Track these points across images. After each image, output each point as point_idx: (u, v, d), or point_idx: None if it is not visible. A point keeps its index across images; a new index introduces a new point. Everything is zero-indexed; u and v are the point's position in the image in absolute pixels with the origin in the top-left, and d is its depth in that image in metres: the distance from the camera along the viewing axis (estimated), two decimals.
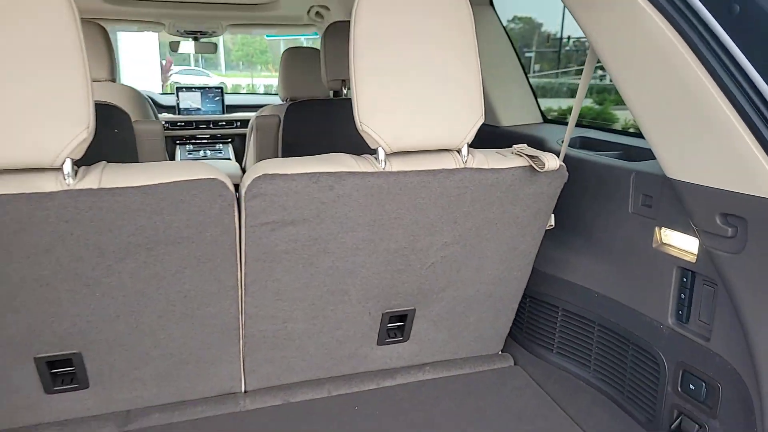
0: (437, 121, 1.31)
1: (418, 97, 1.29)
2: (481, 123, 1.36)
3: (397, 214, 1.39)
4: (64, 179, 1.12)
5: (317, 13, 4.14)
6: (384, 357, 1.72)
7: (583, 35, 1.36)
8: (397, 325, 1.68)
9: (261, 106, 4.44)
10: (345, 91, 2.68)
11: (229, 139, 4.66)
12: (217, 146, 4.56)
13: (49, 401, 1.44)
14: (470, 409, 1.61)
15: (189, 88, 4.70)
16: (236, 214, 1.29)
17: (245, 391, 1.62)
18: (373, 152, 1.34)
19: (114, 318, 1.34)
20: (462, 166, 1.37)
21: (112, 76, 2.92)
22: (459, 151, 1.38)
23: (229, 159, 4.37)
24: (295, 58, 3.29)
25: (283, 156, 2.55)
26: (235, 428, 1.51)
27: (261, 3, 3.91)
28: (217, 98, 4.69)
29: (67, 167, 1.12)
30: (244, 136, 4.66)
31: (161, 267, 1.29)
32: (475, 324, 1.75)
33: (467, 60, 1.32)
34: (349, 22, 2.93)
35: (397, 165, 1.33)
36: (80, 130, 1.09)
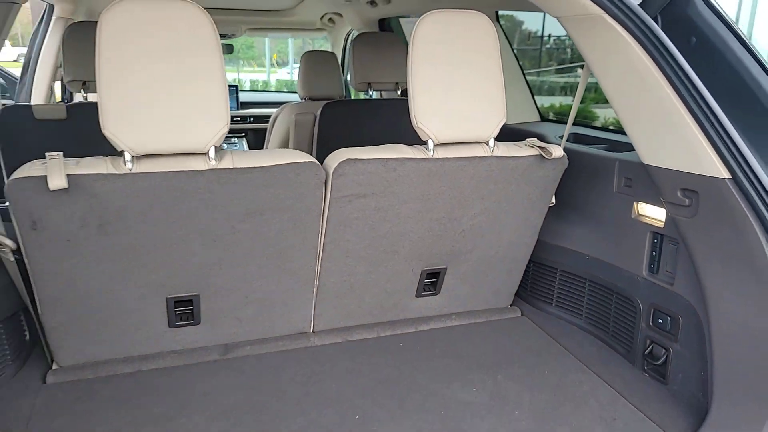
0: (473, 120, 1.75)
1: (459, 103, 1.72)
2: (504, 122, 1.80)
3: (440, 190, 1.82)
4: (209, 160, 1.53)
5: (330, 19, 4.55)
6: (420, 307, 2.16)
7: (563, 34, 1.80)
8: (431, 281, 2.12)
9: (273, 104, 4.82)
10: (371, 93, 3.10)
11: (243, 134, 5.05)
12: (233, 140, 4.95)
13: (170, 333, 1.85)
14: (488, 347, 2.05)
15: None
16: (323, 189, 1.71)
17: (313, 331, 2.05)
18: (422, 143, 1.77)
19: (228, 267, 1.75)
20: (489, 154, 1.81)
21: None
22: (487, 143, 1.81)
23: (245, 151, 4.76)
24: (313, 60, 3.70)
25: (318, 149, 2.96)
26: (306, 359, 1.93)
27: (279, 9, 4.30)
28: (232, 95, 5.07)
29: (212, 152, 1.53)
30: (256, 130, 5.05)
31: (267, 228, 1.71)
32: (491, 282, 2.20)
33: (494, 75, 1.76)
34: (375, 32, 3.45)
35: (442, 153, 1.76)
36: (222, 125, 1.51)
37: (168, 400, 1.69)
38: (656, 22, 1.58)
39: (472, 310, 2.25)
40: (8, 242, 1.58)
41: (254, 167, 1.58)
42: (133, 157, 1.47)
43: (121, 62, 1.41)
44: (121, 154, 1.46)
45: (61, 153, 1.47)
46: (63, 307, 1.67)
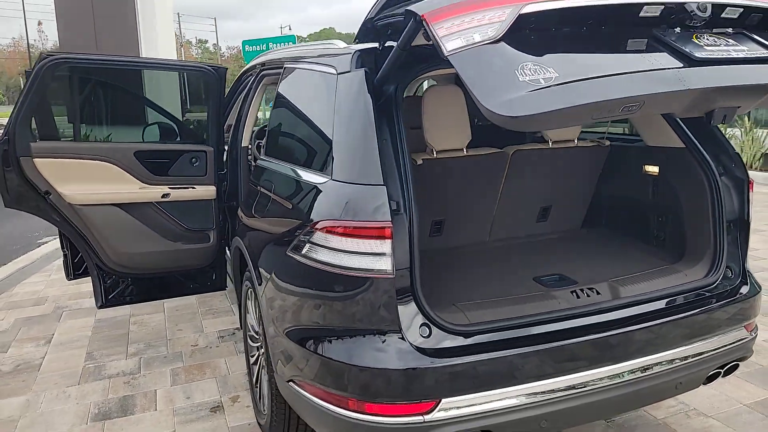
0: (568, 130, 3.81)
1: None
2: (581, 131, 3.86)
3: (553, 162, 3.87)
4: (463, 152, 3.56)
5: None
6: (536, 227, 4.19)
7: None
8: (543, 213, 4.16)
9: None
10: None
11: None
12: None
13: (428, 240, 3.85)
14: (575, 241, 4.07)
15: None
16: (506, 164, 3.74)
17: (489, 240, 4.07)
18: (543, 141, 3.83)
19: (459, 201, 3.76)
20: (575, 145, 3.87)
21: None
22: (574, 140, 3.87)
23: None
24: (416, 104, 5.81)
25: None
26: (489, 251, 3.94)
27: None
28: None
29: (464, 149, 3.56)
30: None
31: (480, 183, 3.73)
32: (571, 212, 4.25)
33: None
34: None
35: (555, 145, 3.82)
36: (468, 139, 3.54)
37: (463, 255, 3.69)
38: None
39: (563, 229, 4.30)
40: None
41: (482, 154, 3.61)
42: (435, 151, 3.50)
43: (433, 111, 3.46)
44: (428, 150, 3.49)
45: None
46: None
